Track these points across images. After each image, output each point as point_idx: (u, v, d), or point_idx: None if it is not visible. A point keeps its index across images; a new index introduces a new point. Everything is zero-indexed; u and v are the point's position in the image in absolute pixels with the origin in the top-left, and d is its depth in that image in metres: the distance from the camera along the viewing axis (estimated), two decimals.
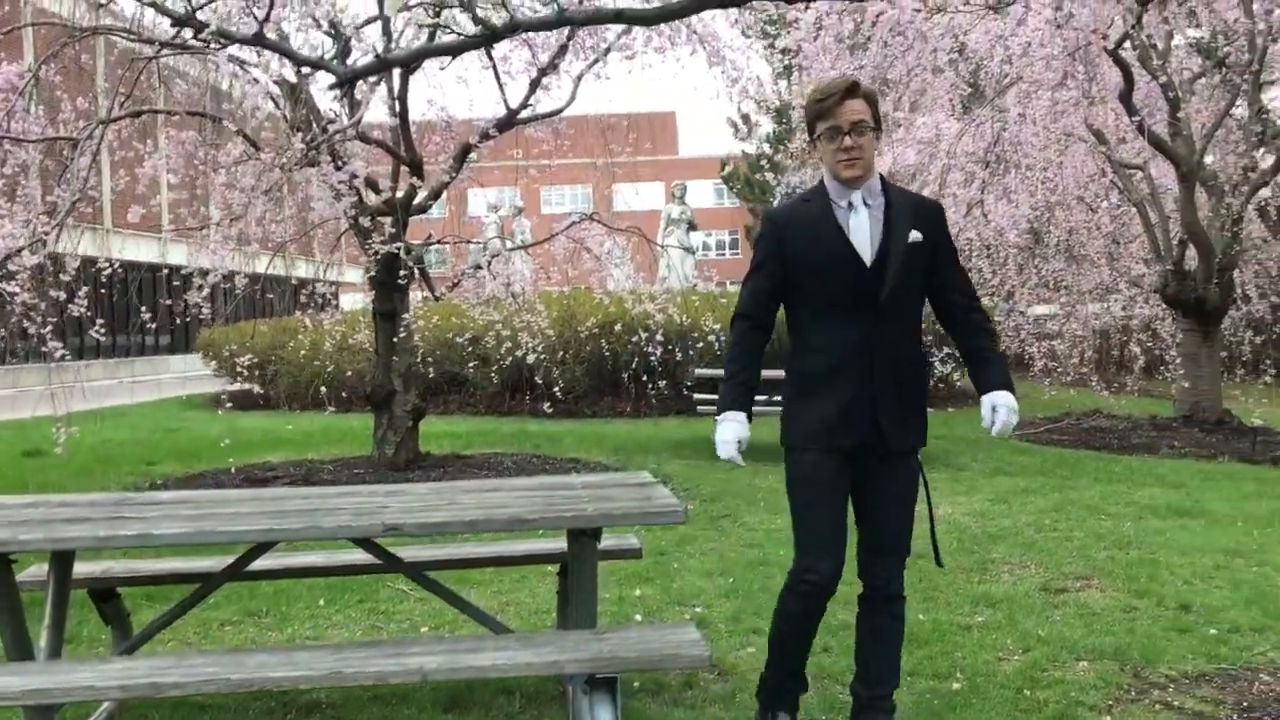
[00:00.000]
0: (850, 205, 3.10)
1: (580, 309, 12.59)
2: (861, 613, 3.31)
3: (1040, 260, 14.45)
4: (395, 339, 8.58)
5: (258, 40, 2.93)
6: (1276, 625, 4.64)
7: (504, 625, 3.69)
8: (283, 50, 4.36)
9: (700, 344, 11.23)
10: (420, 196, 8.28)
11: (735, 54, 8.85)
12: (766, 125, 28.89)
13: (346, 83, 5.35)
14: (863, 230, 3.08)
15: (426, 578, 3.53)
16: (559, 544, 3.88)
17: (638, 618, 4.93)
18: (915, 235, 3.09)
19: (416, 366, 9.67)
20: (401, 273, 8.05)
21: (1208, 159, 11.93)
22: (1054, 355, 14.67)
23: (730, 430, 3.15)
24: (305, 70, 6.51)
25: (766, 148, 29.03)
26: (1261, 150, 11.68)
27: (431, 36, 6.70)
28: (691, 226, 17.88)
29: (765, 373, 3.20)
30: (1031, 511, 7.36)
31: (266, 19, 2.91)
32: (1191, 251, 11.78)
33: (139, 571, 3.97)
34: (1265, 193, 12.25)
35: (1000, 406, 3.13)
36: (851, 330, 3.06)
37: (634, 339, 11.09)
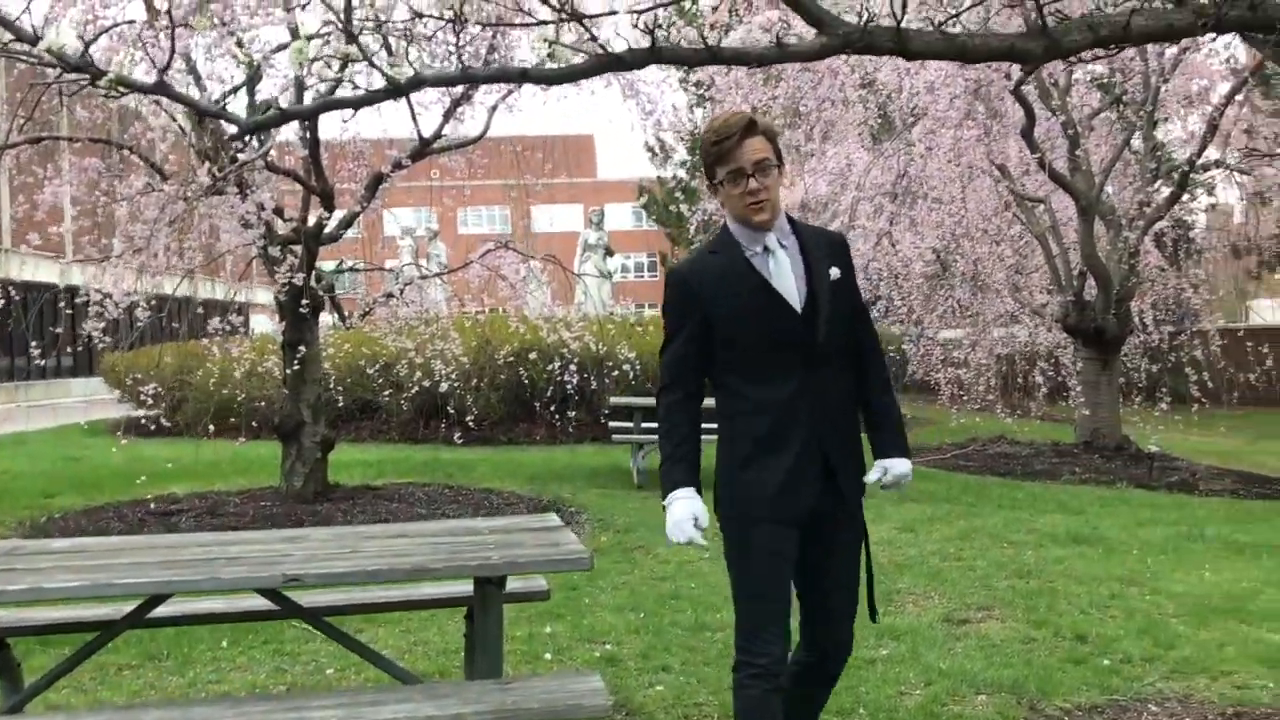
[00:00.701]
0: (767, 250, 2.86)
1: (496, 336, 12.56)
2: (798, 675, 3.02)
3: (947, 288, 14.80)
4: (304, 369, 8.45)
5: (159, 89, 2.88)
6: (1165, 655, 4.81)
7: (409, 672, 3.65)
8: (184, 100, 4.29)
9: (615, 372, 11.28)
10: (330, 226, 8.19)
11: (650, 87, 8.93)
12: (683, 153, 29.18)
13: (248, 133, 5.28)
14: (785, 275, 2.86)
15: (329, 625, 3.48)
16: (466, 587, 3.86)
17: (547, 656, 4.92)
18: (835, 272, 2.91)
19: (326, 396, 9.54)
20: (304, 304, 7.93)
21: (1106, 192, 12.35)
22: (960, 382, 15.00)
23: (683, 509, 2.82)
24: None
25: (683, 173, 29.33)
26: (1157, 184, 12.12)
27: (334, 89, 6.65)
28: (609, 252, 17.96)
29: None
30: (937, 540, 7.51)
31: (167, 68, 2.87)
32: (1091, 282, 12.16)
33: (31, 621, 3.85)
34: (1164, 223, 12.70)
35: (892, 472, 2.96)
36: (790, 384, 2.83)
37: (550, 367, 11.09)
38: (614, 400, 10.61)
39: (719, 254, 2.91)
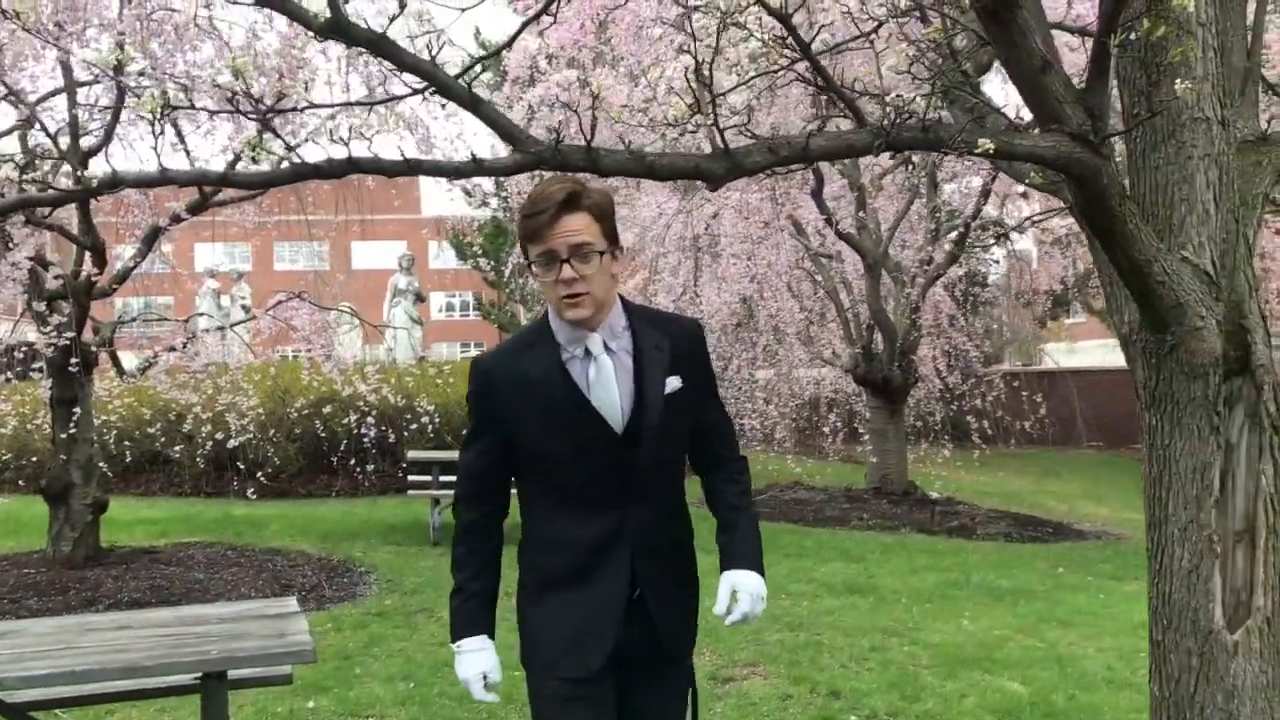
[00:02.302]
0: (588, 354, 2.37)
1: (293, 386, 12.23)
2: None
3: (753, 333, 15.26)
4: (74, 428, 8.03)
5: None
6: (909, 708, 5.06)
7: None
8: None
9: (414, 425, 11.15)
10: (103, 281, 7.85)
11: (444, 143, 8.95)
12: (496, 201, 29.12)
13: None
14: (607, 387, 2.37)
15: None
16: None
17: None
18: (673, 383, 2.42)
19: (110, 450, 9.11)
20: (74, 361, 7.56)
21: (893, 250, 13.01)
22: (765, 426, 15.46)
23: (470, 666, 2.43)
24: None
25: (503, 215, 29.28)
26: (936, 244, 12.84)
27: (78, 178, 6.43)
28: (419, 297, 17.77)
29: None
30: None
31: None
32: (879, 334, 12.76)
33: None
34: (959, 272, 13.45)
35: (743, 593, 2.45)
36: (603, 519, 2.40)
37: (346, 420, 10.87)
38: (411, 455, 10.49)
39: (534, 348, 2.40)
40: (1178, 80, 2.92)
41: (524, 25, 2.83)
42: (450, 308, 57.64)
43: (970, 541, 10.68)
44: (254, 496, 11.19)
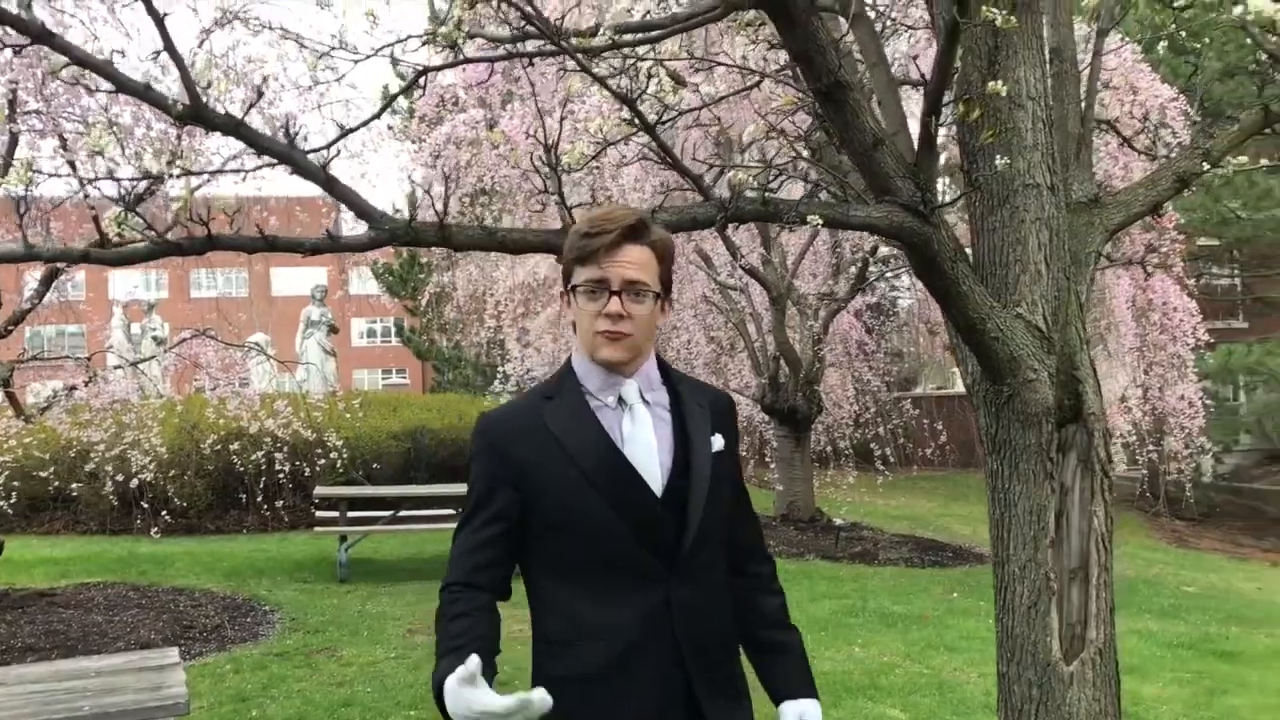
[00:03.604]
0: (623, 403, 2.03)
1: (202, 422, 12.10)
2: None
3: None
4: None
5: None
6: None
7: None
8: None
9: (323, 460, 11.12)
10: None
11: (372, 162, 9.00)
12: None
13: None
14: (644, 441, 2.01)
15: None
16: None
17: None
18: (718, 442, 2.09)
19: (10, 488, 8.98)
20: None
21: (798, 282, 13.33)
22: None
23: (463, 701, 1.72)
24: None
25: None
26: (838, 276, 13.18)
27: None
28: (333, 329, 17.68)
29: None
30: None
31: None
32: (785, 365, 13.05)
33: None
34: (869, 299, 13.80)
35: None
36: (641, 601, 1.96)
37: (254, 456, 10.81)
38: (319, 490, 10.46)
39: (554, 400, 2.05)
40: (998, 156, 3.16)
41: (384, 107, 2.96)
42: (372, 334, 57.19)
43: (872, 567, 10.95)
44: (158, 535, 11.08)
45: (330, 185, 2.49)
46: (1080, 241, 3.78)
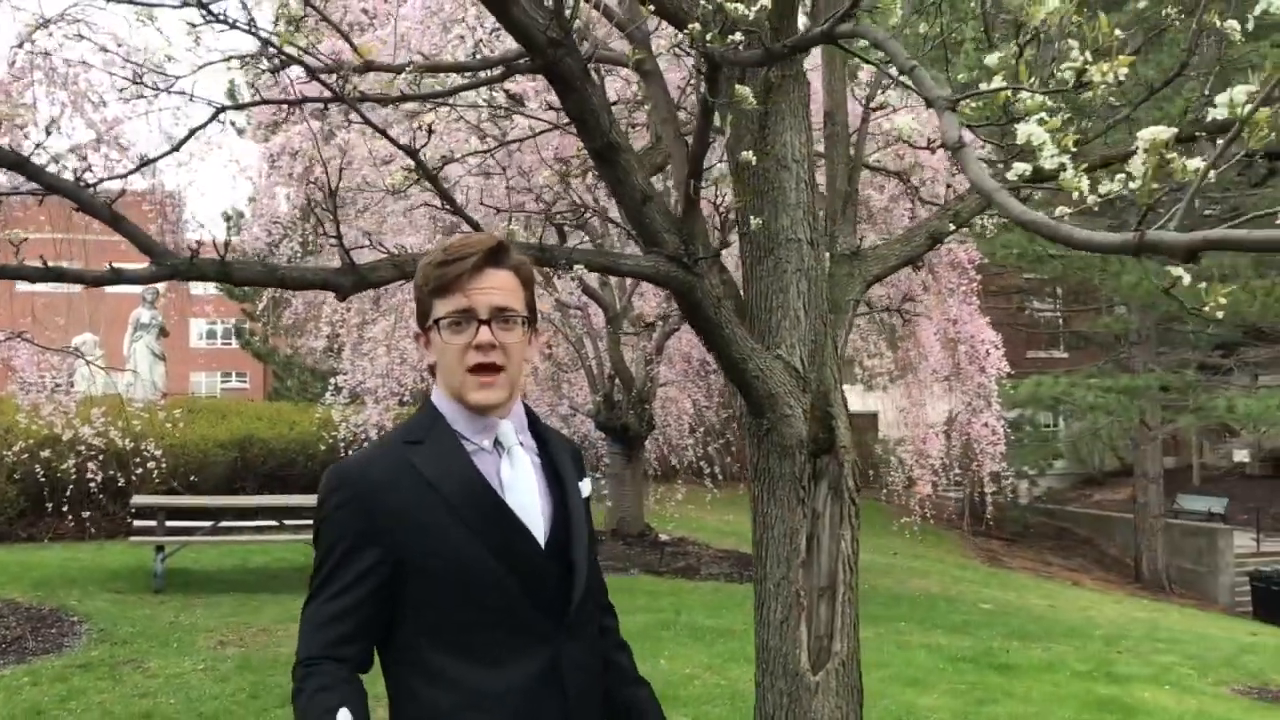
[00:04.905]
0: (499, 446, 1.89)
1: (15, 427, 11.66)
2: None
3: None
4: None
5: None
6: None
7: None
8: None
9: (140, 470, 10.88)
10: None
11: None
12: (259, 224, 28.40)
13: None
14: (526, 489, 1.87)
15: None
16: None
17: None
18: (586, 488, 2.02)
19: None
20: None
21: (636, 301, 13.70)
22: None
23: None
24: None
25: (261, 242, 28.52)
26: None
27: None
28: (163, 332, 17.21)
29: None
30: None
31: None
32: (620, 384, 13.40)
33: None
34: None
35: None
36: (529, 663, 1.81)
37: (65, 465, 10.49)
38: (136, 499, 10.25)
39: (424, 444, 1.86)
40: (752, 216, 3.51)
41: (175, 147, 3.11)
42: (212, 335, 55.36)
43: (693, 582, 11.35)
44: None
45: (115, 222, 2.63)
46: (841, 290, 4.16)
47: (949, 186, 7.52)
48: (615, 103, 5.84)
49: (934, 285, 10.63)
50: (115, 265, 2.66)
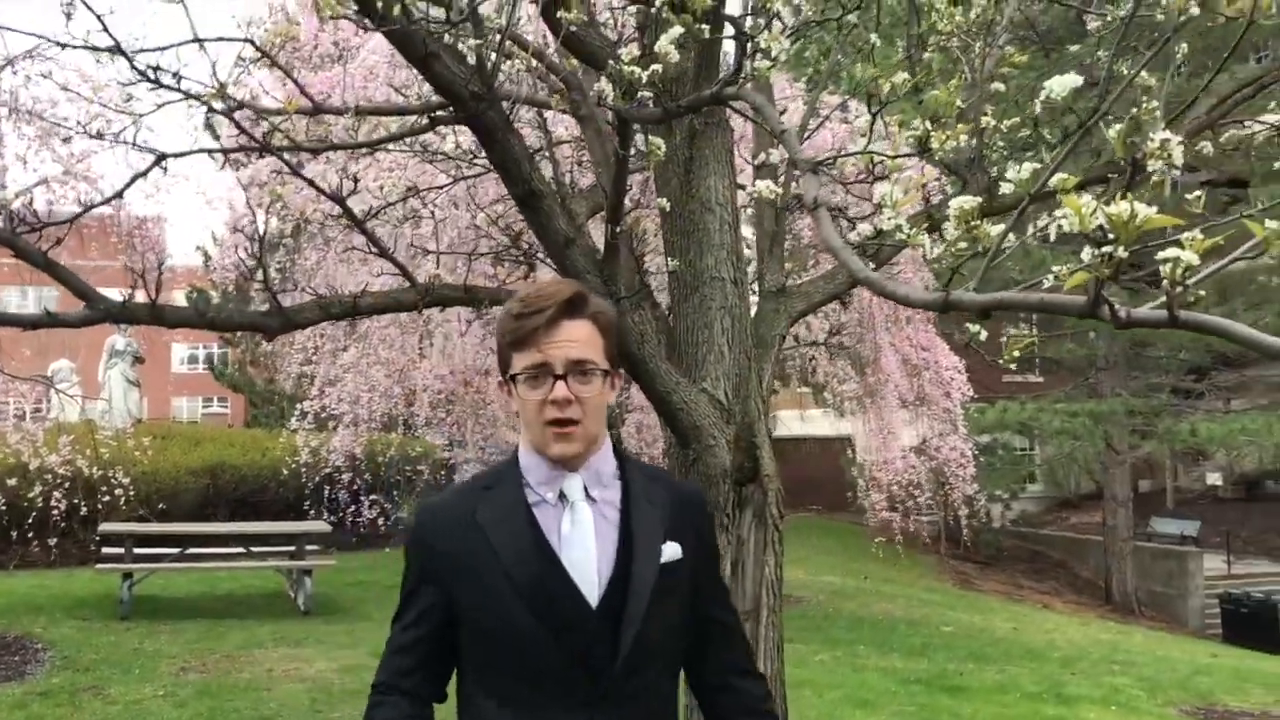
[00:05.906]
0: (563, 499, 1.85)
1: None
2: None
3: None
4: None
5: None
6: None
7: None
8: None
9: (107, 497, 10.95)
10: None
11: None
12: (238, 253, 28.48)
13: None
14: (583, 544, 1.82)
15: None
16: None
17: None
18: (671, 550, 1.88)
19: None
20: None
21: None
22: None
23: None
24: None
25: (250, 263, 28.52)
26: None
27: None
28: (138, 359, 17.27)
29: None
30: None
31: None
32: None
33: None
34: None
35: None
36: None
37: (32, 494, 10.56)
38: (104, 527, 10.32)
39: (492, 490, 1.89)
40: (670, 259, 3.68)
41: (116, 194, 3.26)
42: (194, 360, 55.22)
43: None
44: None
45: (50, 268, 2.78)
46: (768, 325, 4.34)
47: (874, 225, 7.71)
48: (563, 141, 6.04)
49: (892, 313, 10.83)
50: (87, 298, 2.80)
